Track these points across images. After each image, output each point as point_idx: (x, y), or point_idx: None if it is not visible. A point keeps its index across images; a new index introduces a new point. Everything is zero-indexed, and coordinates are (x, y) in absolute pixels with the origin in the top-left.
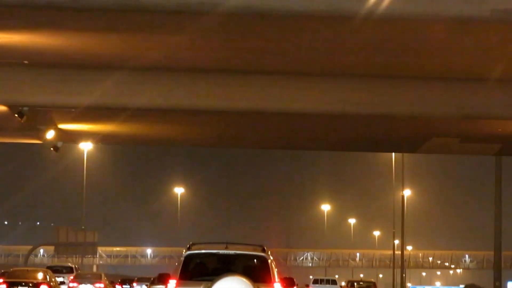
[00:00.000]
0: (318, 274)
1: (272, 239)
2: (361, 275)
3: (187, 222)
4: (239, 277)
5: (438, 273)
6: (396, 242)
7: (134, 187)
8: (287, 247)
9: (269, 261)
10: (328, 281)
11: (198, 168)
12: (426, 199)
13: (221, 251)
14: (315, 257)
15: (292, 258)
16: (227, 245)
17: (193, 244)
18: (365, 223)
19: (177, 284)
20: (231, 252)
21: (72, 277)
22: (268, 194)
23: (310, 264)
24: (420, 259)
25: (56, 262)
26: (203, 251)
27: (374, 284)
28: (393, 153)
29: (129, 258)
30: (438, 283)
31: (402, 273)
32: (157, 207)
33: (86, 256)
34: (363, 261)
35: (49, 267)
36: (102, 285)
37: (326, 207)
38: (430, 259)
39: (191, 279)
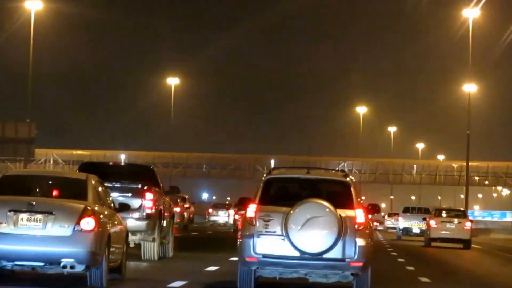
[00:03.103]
0: (407, 201)
1: (292, 144)
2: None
3: (180, 122)
4: (320, 202)
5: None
6: (441, 157)
7: (107, 76)
8: (311, 155)
9: (351, 187)
10: (420, 210)
11: (197, 55)
12: (493, 96)
13: (302, 176)
14: (354, 169)
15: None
16: (308, 170)
17: (274, 168)
18: (407, 132)
19: (258, 208)
20: (313, 177)
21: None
22: (286, 88)
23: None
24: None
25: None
26: (284, 175)
27: (464, 213)
28: None
29: None
30: (477, 207)
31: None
32: (137, 102)
33: (19, 159)
34: (422, 175)
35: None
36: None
37: (361, 109)
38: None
39: (271, 203)
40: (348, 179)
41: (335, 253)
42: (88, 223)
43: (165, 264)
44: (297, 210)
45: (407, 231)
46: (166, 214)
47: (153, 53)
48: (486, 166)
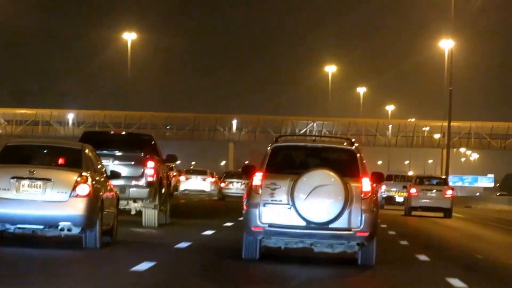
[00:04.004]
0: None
1: (257, 103)
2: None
3: (135, 80)
4: (327, 171)
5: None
6: (412, 119)
7: (57, 27)
8: (278, 114)
9: (358, 155)
10: (404, 178)
11: (155, 8)
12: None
13: (309, 144)
14: (324, 129)
15: (289, 130)
16: (315, 138)
17: (280, 136)
18: (377, 93)
19: (264, 177)
20: (319, 145)
21: None
22: (251, 44)
23: None
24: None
25: None
26: (290, 143)
27: (445, 181)
28: None
29: (40, 127)
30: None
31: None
32: (88, 59)
33: None
34: (398, 136)
35: None
36: None
37: (330, 68)
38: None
39: (277, 171)
40: (354, 147)
41: (341, 223)
42: (83, 189)
43: (164, 230)
44: (303, 178)
45: (390, 199)
46: (164, 182)
47: (112, 8)
48: (469, 127)
